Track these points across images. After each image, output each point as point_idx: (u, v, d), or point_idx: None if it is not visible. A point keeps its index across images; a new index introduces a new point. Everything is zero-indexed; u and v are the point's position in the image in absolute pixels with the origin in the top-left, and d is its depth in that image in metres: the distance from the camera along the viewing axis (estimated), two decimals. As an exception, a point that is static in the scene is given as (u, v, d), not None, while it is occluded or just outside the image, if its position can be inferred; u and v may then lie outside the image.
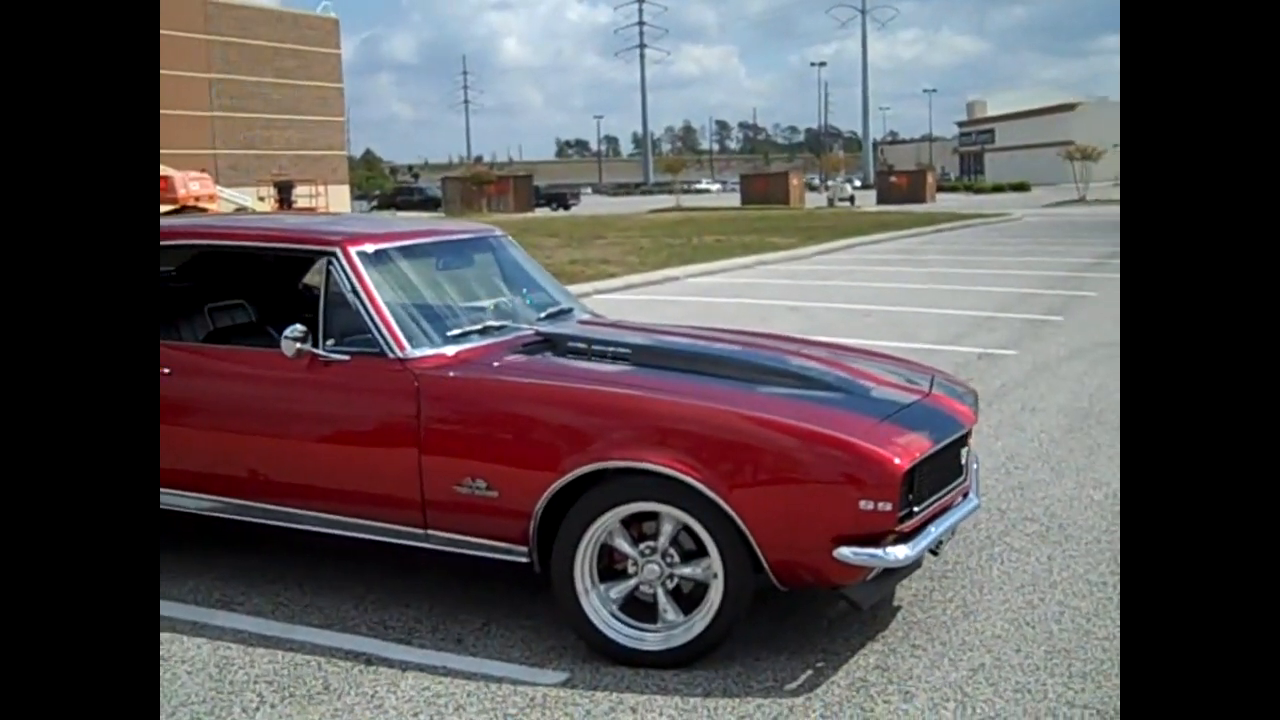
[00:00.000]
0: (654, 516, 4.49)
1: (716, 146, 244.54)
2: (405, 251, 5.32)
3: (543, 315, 5.63)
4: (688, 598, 4.54)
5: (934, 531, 4.53)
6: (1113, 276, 19.04)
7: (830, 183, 72.09)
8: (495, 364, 4.95)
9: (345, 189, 67.20)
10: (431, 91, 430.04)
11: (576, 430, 4.52)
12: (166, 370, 5.13)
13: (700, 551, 4.45)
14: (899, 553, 4.29)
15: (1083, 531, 6.10)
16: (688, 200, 67.84)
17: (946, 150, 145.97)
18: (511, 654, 4.64)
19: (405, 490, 4.74)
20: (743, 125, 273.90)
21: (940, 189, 76.69)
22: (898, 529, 4.31)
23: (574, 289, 16.24)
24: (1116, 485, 6.88)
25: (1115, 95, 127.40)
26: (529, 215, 57.32)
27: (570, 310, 5.86)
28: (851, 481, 4.24)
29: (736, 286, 18.82)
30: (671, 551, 4.49)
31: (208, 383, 5.18)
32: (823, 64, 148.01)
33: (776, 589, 4.47)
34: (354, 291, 4.97)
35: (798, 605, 4.98)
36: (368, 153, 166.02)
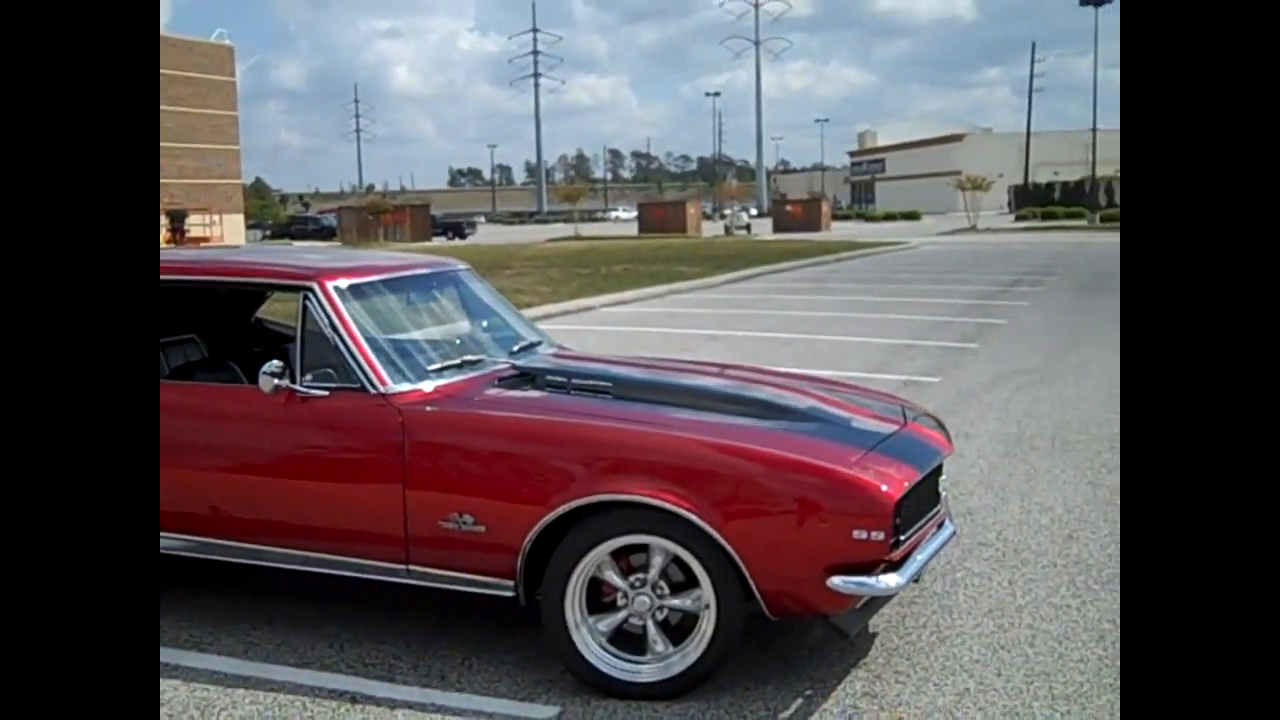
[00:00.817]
0: (642, 548, 4.50)
1: (610, 175, 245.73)
2: (378, 286, 5.28)
3: (515, 349, 5.61)
4: (675, 629, 4.55)
5: (919, 559, 4.60)
6: (1018, 304, 19.50)
7: (727, 211, 72.70)
8: (478, 399, 4.93)
9: (240, 218, 66.13)
10: (321, 119, 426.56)
11: (567, 464, 4.51)
12: (134, 407, 5.02)
13: (689, 583, 4.47)
14: (889, 581, 4.35)
15: (1036, 555, 6.23)
16: (586, 229, 67.94)
17: (838, 179, 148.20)
18: (498, 689, 4.61)
19: (388, 526, 4.69)
20: (635, 154, 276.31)
21: (834, 217, 77.74)
22: (889, 558, 4.37)
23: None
24: (1060, 510, 7.06)
25: (997, 126, 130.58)
26: (427, 245, 56.89)
27: (539, 343, 5.85)
28: (845, 512, 4.29)
29: (654, 316, 18.89)
30: (661, 583, 4.50)
31: (179, 419, 5.07)
32: (717, 94, 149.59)
33: (758, 619, 4.50)
34: (332, 326, 4.91)
35: (777, 635, 5.00)
36: (257, 181, 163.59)
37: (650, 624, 4.51)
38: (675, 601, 4.50)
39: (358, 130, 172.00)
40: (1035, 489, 7.57)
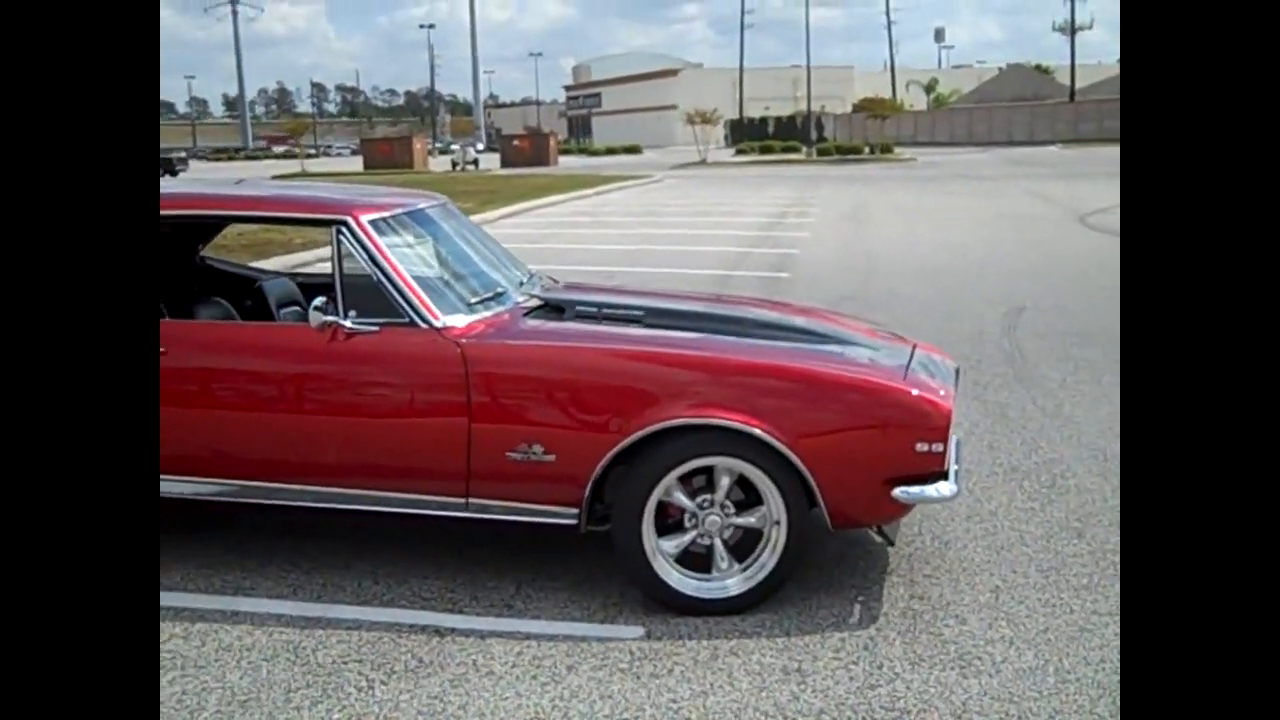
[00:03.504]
0: (703, 470, 4.66)
1: (316, 109, 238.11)
2: (397, 221, 5.21)
3: (522, 282, 5.63)
4: (735, 547, 4.75)
5: (956, 466, 4.93)
6: (798, 235, 20.28)
7: (455, 147, 71.99)
8: (529, 330, 4.96)
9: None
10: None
11: (640, 391, 4.61)
12: (163, 349, 4.83)
13: (751, 501, 4.67)
14: (944, 490, 4.66)
15: (976, 466, 6.68)
16: (311, 165, 65.99)
17: (552, 114, 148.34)
18: (570, 613, 4.71)
19: (449, 460, 4.69)
20: (341, 88, 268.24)
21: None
22: (944, 468, 4.68)
23: (292, 259, 15.78)
24: (968, 425, 7.56)
25: (699, 61, 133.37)
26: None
27: (535, 276, 5.88)
28: (910, 425, 4.58)
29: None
30: (727, 502, 4.68)
31: (215, 360, 4.91)
32: (431, 26, 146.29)
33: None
34: (372, 261, 4.85)
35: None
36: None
37: (718, 542, 4.69)
38: (740, 520, 4.69)
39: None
40: (931, 406, 8.04)
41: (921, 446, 4.59)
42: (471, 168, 63.80)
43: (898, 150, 65.89)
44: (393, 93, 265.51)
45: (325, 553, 5.29)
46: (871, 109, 72.46)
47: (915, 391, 4.65)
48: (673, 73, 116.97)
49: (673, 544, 4.70)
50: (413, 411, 4.75)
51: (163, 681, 4.13)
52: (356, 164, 69.23)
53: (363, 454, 4.78)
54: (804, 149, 68.70)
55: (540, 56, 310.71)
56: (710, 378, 4.63)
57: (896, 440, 4.59)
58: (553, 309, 5.27)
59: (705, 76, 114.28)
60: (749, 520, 4.68)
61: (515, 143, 71.47)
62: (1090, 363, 9.36)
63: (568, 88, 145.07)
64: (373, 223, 4.96)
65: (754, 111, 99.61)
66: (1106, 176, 36.17)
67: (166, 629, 4.55)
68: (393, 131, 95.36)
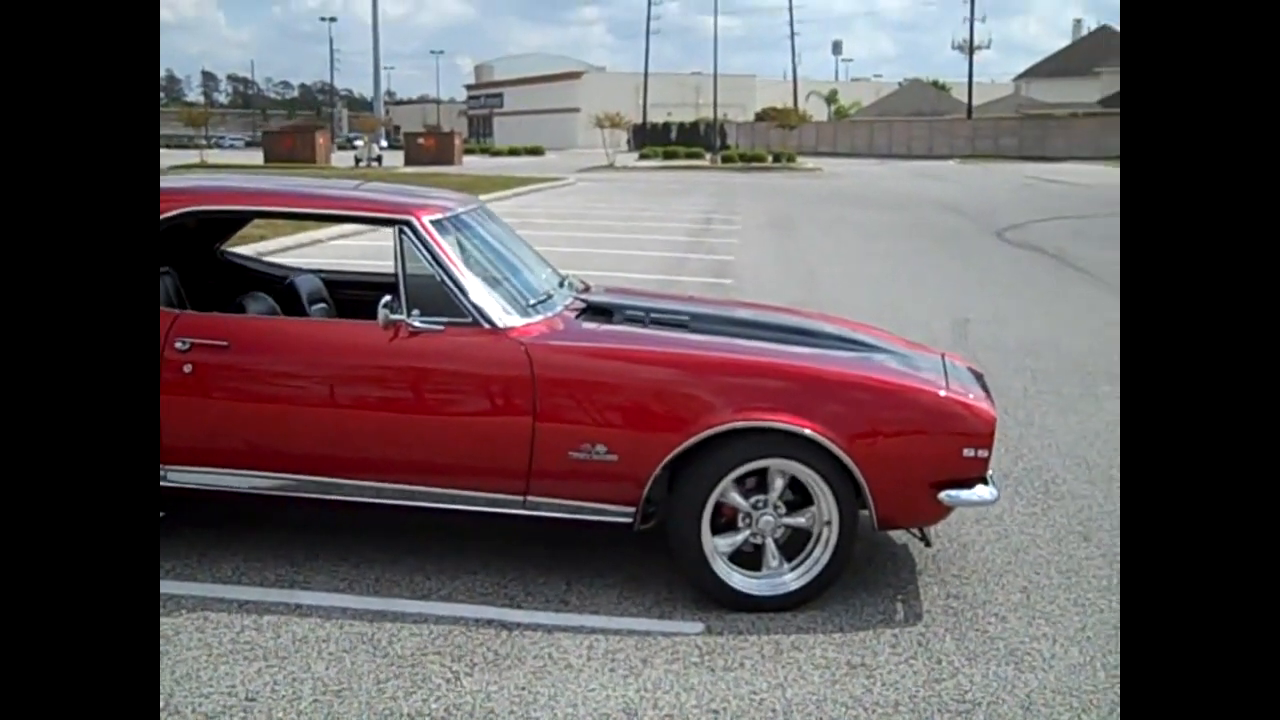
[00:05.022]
0: (757, 472, 4.83)
1: (205, 100, 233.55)
2: (450, 223, 5.29)
3: (561, 284, 5.74)
4: (783, 546, 4.92)
5: (990, 471, 5.15)
6: (729, 241, 20.55)
7: (359, 142, 71.26)
8: (586, 332, 5.08)
9: None
10: None
11: (703, 394, 4.75)
12: (224, 344, 4.87)
13: (801, 501, 4.85)
14: (987, 493, 4.89)
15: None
16: (209, 157, 64.83)
17: (451, 112, 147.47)
18: (627, 609, 4.84)
19: (511, 458, 4.79)
20: (232, 78, 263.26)
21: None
22: (987, 473, 4.90)
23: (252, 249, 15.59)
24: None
25: (595, 65, 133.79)
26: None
27: (568, 279, 5.99)
28: (959, 431, 4.80)
29: (384, 249, 18.61)
30: (779, 503, 4.85)
31: (280, 355, 4.94)
32: (333, 19, 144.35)
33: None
34: (436, 262, 4.93)
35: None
36: None
37: (769, 541, 4.86)
38: (791, 520, 4.87)
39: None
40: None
41: (968, 451, 4.80)
42: (375, 164, 63.19)
43: (800, 160, 66.71)
44: (286, 84, 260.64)
45: (369, 548, 5.35)
46: (777, 119, 73.24)
47: (962, 398, 4.87)
48: (576, 75, 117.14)
49: (726, 543, 4.85)
50: (477, 410, 4.84)
51: (250, 672, 4.18)
52: (253, 157, 68.17)
53: (423, 451, 4.85)
54: (708, 155, 69.22)
55: (441, 54, 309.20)
56: (768, 382, 4.80)
57: (945, 445, 4.80)
58: (600, 312, 5.40)
59: (609, 80, 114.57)
60: (799, 520, 4.85)
61: (420, 141, 70.84)
62: (1045, 373, 9.71)
63: (469, 86, 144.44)
64: (434, 223, 5.05)
65: (656, 117, 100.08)
66: (1009, 191, 37.16)
67: (236, 620, 4.59)
68: (293, 125, 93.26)
